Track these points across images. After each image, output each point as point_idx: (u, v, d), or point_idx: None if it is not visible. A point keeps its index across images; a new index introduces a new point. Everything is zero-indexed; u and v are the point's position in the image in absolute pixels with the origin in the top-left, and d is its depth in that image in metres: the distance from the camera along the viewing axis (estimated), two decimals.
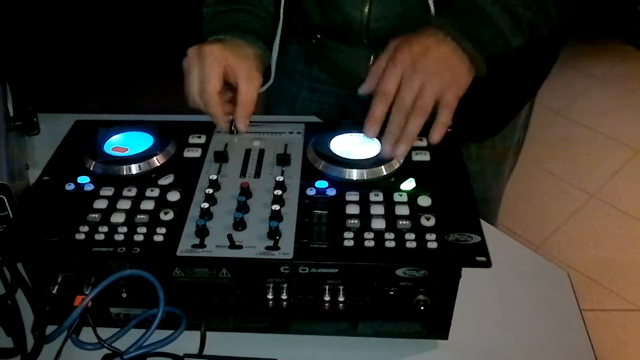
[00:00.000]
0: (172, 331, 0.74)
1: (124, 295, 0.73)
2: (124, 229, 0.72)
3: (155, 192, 0.78)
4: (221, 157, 0.84)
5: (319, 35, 1.04)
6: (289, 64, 1.14)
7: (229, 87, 0.87)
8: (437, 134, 0.81)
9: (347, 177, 0.79)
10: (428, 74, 0.79)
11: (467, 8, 0.83)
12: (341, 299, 0.71)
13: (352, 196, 0.76)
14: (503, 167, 1.16)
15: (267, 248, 0.70)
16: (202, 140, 0.88)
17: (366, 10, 0.94)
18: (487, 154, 1.09)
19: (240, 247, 0.70)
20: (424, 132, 0.86)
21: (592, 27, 3.24)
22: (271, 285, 0.71)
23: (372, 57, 0.99)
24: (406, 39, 0.81)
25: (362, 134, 0.85)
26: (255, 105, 0.88)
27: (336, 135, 0.85)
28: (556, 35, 0.90)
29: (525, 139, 1.19)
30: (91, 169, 0.82)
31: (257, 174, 0.81)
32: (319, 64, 1.11)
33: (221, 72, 0.85)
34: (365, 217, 0.73)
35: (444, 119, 0.81)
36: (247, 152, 0.85)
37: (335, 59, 1.06)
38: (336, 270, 0.69)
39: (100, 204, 0.76)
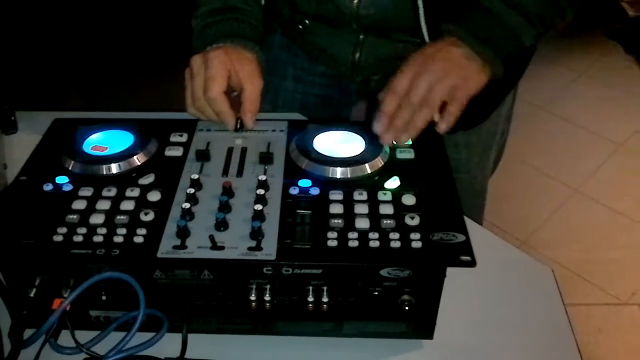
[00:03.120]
0: (153, 334, 0.72)
1: (104, 297, 0.72)
2: (103, 230, 0.71)
3: (136, 192, 0.77)
4: (203, 156, 0.83)
5: (307, 21, 1.04)
6: (271, 54, 1.14)
7: (230, 95, 0.88)
8: (444, 123, 0.84)
9: (330, 176, 0.79)
10: (438, 74, 0.82)
11: (476, 13, 0.87)
12: (325, 299, 0.70)
13: (336, 195, 0.76)
14: (488, 156, 1.17)
15: (250, 249, 0.69)
16: (184, 138, 0.87)
17: (355, 0, 0.95)
18: (474, 142, 1.11)
19: (222, 248, 0.69)
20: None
21: (574, 21, 3.26)
22: (254, 287, 0.70)
23: (360, 37, 1.01)
24: (422, 48, 0.86)
25: (345, 132, 0.85)
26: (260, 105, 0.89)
27: (320, 133, 0.85)
28: None
29: (508, 132, 1.21)
30: (70, 168, 0.81)
31: (240, 173, 0.80)
32: (305, 50, 1.12)
33: (226, 74, 0.86)
34: (349, 216, 0.73)
35: (452, 109, 0.84)
36: (230, 151, 0.84)
37: (322, 45, 1.06)
38: (320, 271, 0.68)
39: (79, 205, 0.75)
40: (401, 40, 1.00)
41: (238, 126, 0.87)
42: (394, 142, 0.83)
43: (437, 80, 0.82)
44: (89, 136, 0.85)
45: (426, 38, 0.94)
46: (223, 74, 0.85)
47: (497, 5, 0.86)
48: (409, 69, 0.84)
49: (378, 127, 0.83)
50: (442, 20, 0.88)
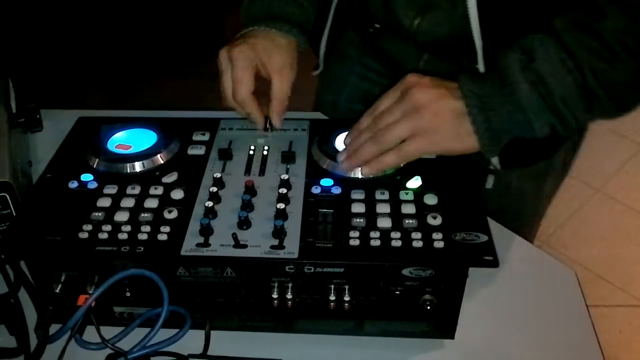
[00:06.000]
0: (176, 330, 0.73)
1: (128, 294, 0.73)
2: (128, 228, 0.72)
3: (159, 190, 0.77)
4: (225, 155, 0.83)
5: (377, 25, 1.02)
6: (342, 47, 1.13)
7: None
8: (368, 167, 0.78)
9: (352, 175, 0.79)
10: (413, 109, 0.74)
11: (497, 80, 0.74)
12: (347, 298, 0.70)
13: (358, 194, 0.76)
14: (543, 185, 1.10)
15: (272, 247, 0.69)
16: (206, 137, 0.87)
17: (416, 23, 0.91)
18: (526, 171, 1.03)
19: (245, 246, 0.69)
20: None
21: None
22: (276, 285, 0.71)
23: (425, 55, 0.97)
24: (422, 76, 0.77)
25: None
26: (289, 100, 0.88)
27: (341, 133, 0.85)
28: None
29: (574, 159, 1.12)
30: (94, 166, 0.81)
31: (262, 172, 0.81)
32: (373, 52, 1.10)
33: (252, 72, 0.85)
34: (371, 215, 0.73)
35: (388, 159, 0.77)
36: (252, 150, 0.85)
37: (389, 50, 1.04)
38: (342, 269, 0.69)
39: (104, 202, 0.76)
40: (460, 64, 0.92)
41: (267, 126, 0.88)
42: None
43: (407, 116, 0.74)
44: (113, 135, 0.86)
45: (481, 67, 0.86)
46: (248, 74, 0.85)
47: (522, 83, 0.72)
48: (395, 93, 0.77)
49: (342, 155, 0.80)
50: (500, 48, 0.76)
